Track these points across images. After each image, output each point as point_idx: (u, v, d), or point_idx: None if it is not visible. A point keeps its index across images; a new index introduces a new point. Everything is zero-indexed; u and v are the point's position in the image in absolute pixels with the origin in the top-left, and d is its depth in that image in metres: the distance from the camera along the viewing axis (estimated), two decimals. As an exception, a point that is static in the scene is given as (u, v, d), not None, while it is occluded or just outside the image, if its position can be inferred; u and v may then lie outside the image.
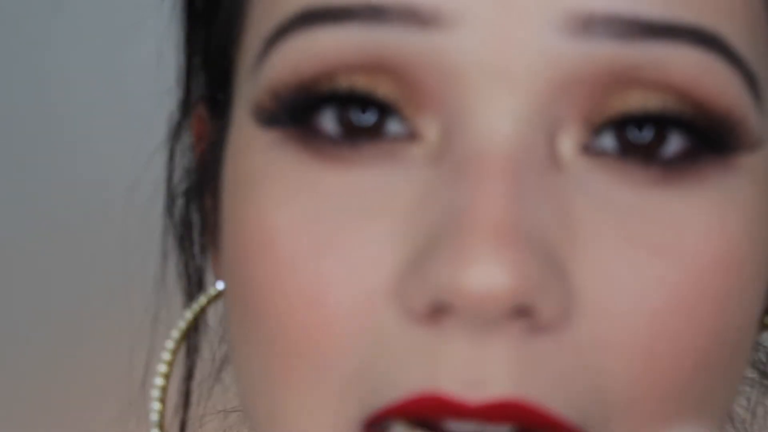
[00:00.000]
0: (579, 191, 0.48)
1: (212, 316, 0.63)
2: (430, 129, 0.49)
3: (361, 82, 0.49)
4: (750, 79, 0.49)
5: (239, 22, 0.54)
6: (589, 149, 0.49)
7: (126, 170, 0.71)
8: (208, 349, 0.67)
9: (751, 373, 0.64)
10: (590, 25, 0.47)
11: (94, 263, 0.93)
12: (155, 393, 0.58)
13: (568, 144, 0.48)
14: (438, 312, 0.46)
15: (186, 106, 0.63)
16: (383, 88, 0.49)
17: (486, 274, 0.44)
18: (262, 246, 0.49)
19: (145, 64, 0.68)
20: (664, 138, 0.49)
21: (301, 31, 0.49)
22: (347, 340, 0.48)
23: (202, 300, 0.61)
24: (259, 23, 0.52)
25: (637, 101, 0.48)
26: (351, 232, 0.48)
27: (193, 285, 0.65)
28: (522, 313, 0.46)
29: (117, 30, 0.73)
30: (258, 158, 0.51)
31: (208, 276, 0.64)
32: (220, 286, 0.61)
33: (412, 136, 0.49)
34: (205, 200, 0.62)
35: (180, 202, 0.65)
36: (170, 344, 0.59)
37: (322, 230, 0.48)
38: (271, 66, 0.50)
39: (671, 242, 0.48)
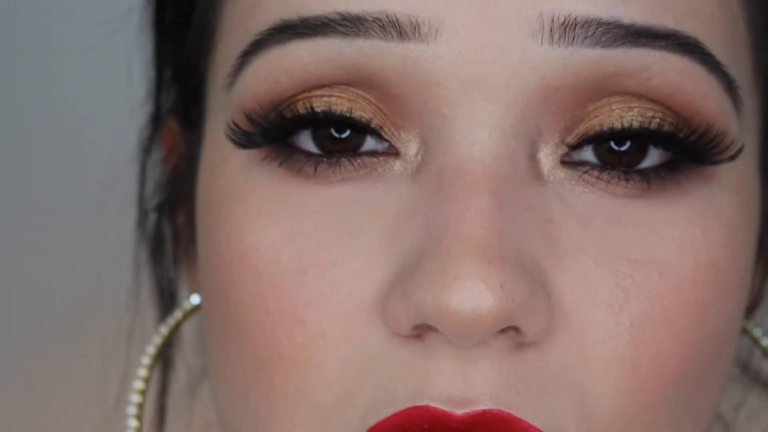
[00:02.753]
0: (560, 203, 0.48)
1: (187, 330, 0.63)
2: (410, 143, 0.48)
3: (338, 105, 0.48)
4: (730, 85, 0.49)
5: (210, 36, 0.54)
6: (569, 160, 0.48)
7: (96, 184, 0.70)
8: (183, 363, 0.66)
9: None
10: (570, 29, 0.47)
11: (65, 277, 0.92)
12: (132, 410, 0.57)
13: (548, 154, 0.48)
14: (423, 330, 0.46)
15: (157, 120, 0.63)
16: (359, 110, 0.48)
17: (470, 294, 0.44)
18: (242, 264, 0.49)
19: (114, 78, 0.67)
20: (644, 151, 0.48)
21: (276, 44, 0.49)
22: (331, 359, 0.47)
23: (178, 315, 0.61)
24: (231, 37, 0.52)
25: (617, 113, 0.48)
26: (332, 249, 0.48)
27: (166, 299, 0.65)
28: (506, 330, 0.46)
29: (87, 42, 0.72)
30: (234, 176, 0.50)
31: (182, 290, 0.64)
32: (194, 300, 0.61)
33: (392, 152, 0.49)
34: (177, 214, 0.62)
35: (152, 215, 0.64)
36: (146, 360, 0.58)
37: (303, 247, 0.48)
38: (244, 83, 0.49)
39: (652, 254, 0.48)
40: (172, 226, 0.63)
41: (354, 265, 0.47)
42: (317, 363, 0.47)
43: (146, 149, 0.64)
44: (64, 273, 0.94)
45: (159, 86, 0.62)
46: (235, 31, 0.51)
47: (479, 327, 0.44)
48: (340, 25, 0.47)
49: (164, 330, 0.60)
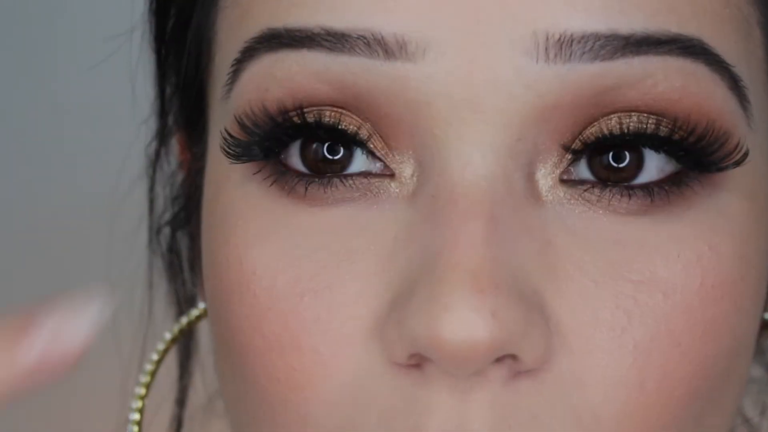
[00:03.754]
0: (559, 224, 0.46)
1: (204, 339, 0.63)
2: (404, 165, 0.47)
3: (328, 117, 0.47)
4: (735, 83, 0.47)
5: (208, 48, 0.54)
6: (568, 178, 0.47)
7: (106, 199, 0.70)
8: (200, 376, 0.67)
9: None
10: (566, 45, 0.45)
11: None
12: (133, 416, 0.57)
13: (546, 174, 0.47)
14: (420, 359, 0.45)
15: (162, 136, 0.63)
16: (347, 122, 0.47)
17: (463, 325, 0.43)
18: (240, 287, 0.48)
19: (119, 94, 0.67)
20: (640, 164, 0.47)
21: (266, 53, 0.48)
22: (330, 385, 0.46)
23: (183, 321, 0.61)
24: (225, 47, 0.51)
25: (615, 123, 0.46)
26: (329, 273, 0.47)
27: (184, 310, 0.64)
28: (503, 359, 0.44)
29: (90, 60, 0.72)
30: (231, 194, 0.50)
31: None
32: (201, 305, 0.61)
33: (387, 173, 0.47)
34: (192, 227, 0.62)
35: (166, 230, 0.64)
36: (149, 366, 0.58)
37: (299, 271, 0.47)
38: (239, 91, 0.49)
39: (656, 274, 0.46)
40: (190, 239, 0.63)
41: (351, 290, 0.46)
42: (316, 390, 0.46)
43: (153, 165, 0.64)
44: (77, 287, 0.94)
45: (162, 102, 0.62)
46: (228, 41, 0.51)
47: (473, 357, 0.43)
48: (325, 39, 0.46)
49: (168, 336, 0.60)
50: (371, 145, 0.47)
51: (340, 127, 0.47)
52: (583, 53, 0.45)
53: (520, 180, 0.46)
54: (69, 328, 0.41)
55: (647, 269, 0.46)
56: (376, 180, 0.47)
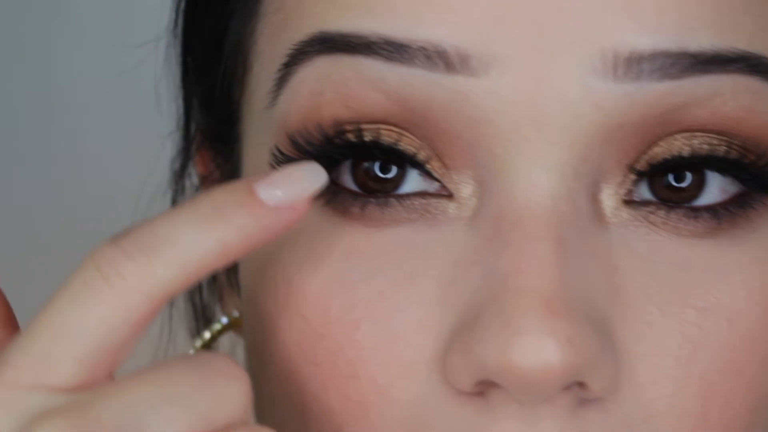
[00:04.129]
0: (624, 247, 0.45)
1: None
2: (462, 185, 0.46)
3: (386, 136, 0.45)
4: None
5: (244, 59, 0.52)
6: (631, 199, 0.46)
7: (127, 212, 0.70)
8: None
9: None
10: (635, 64, 0.44)
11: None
12: None
13: (610, 195, 0.46)
14: (485, 386, 0.44)
15: (187, 149, 0.62)
16: (407, 143, 0.45)
17: (537, 350, 0.42)
18: (288, 311, 0.47)
19: (142, 107, 0.67)
20: (702, 185, 0.46)
21: (319, 54, 0.46)
22: (389, 417, 0.45)
23: (207, 336, 0.59)
24: (266, 54, 0.50)
25: (682, 144, 0.45)
26: (387, 299, 0.45)
27: (202, 326, 0.64)
28: (571, 386, 0.43)
29: (115, 71, 0.72)
30: None
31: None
32: (223, 320, 0.59)
33: (444, 193, 0.46)
34: None
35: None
36: None
37: (355, 296, 0.45)
38: (288, 96, 0.47)
39: (721, 300, 0.45)
40: None
41: (411, 317, 0.45)
42: (373, 422, 0.45)
43: (178, 178, 0.63)
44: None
45: (188, 115, 0.61)
46: (270, 47, 0.49)
47: (546, 383, 0.42)
48: (382, 48, 0.45)
49: (191, 353, 0.58)
50: (429, 166, 0.46)
51: (398, 147, 0.46)
52: (653, 71, 0.44)
53: (585, 201, 0.45)
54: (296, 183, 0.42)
55: (712, 296, 0.45)
56: (434, 200, 0.46)
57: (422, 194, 0.46)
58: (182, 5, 0.58)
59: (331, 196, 0.46)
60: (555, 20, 0.44)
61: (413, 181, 0.46)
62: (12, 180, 1.07)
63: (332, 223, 0.46)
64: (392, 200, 0.46)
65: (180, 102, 0.61)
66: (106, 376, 0.40)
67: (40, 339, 0.40)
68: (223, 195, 0.42)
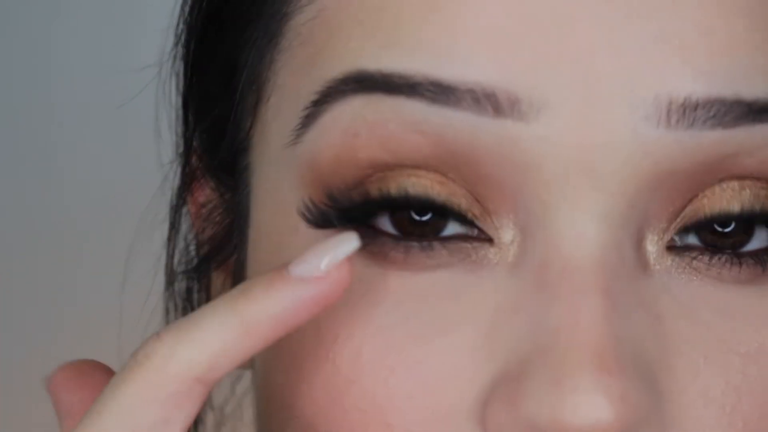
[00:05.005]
0: (667, 295, 0.44)
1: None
2: (503, 230, 0.44)
3: (419, 186, 0.44)
4: None
5: (257, 90, 0.50)
6: (673, 245, 0.45)
7: (124, 244, 0.69)
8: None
9: None
10: (690, 111, 0.42)
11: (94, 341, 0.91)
12: None
13: (654, 241, 0.44)
14: None
15: (188, 180, 0.60)
16: (455, 198, 0.44)
17: (590, 408, 0.40)
18: (315, 355, 0.44)
19: (142, 107, 0.66)
20: (750, 232, 0.45)
21: (354, 94, 0.44)
22: None
23: None
24: (289, 88, 0.48)
25: (731, 197, 0.44)
26: (423, 345, 0.43)
27: None
28: None
29: (115, 71, 0.71)
30: (303, 250, 0.45)
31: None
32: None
33: (484, 237, 0.44)
34: (211, 278, 0.59)
35: (181, 280, 0.62)
36: None
37: (388, 341, 0.43)
38: (316, 135, 0.45)
39: (764, 345, 0.44)
40: (206, 292, 0.60)
41: (448, 365, 0.43)
42: None
43: (176, 207, 0.62)
44: (94, 331, 0.93)
45: (189, 146, 0.59)
46: (294, 81, 0.47)
47: None
48: (427, 90, 0.43)
49: None
50: (471, 215, 0.44)
51: (441, 201, 0.44)
52: (707, 119, 0.43)
53: (630, 249, 0.43)
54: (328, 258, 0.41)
55: (755, 340, 0.44)
56: (477, 244, 0.44)
57: (464, 237, 0.44)
58: (186, 26, 0.56)
59: (369, 241, 0.44)
60: (606, 64, 0.43)
61: (453, 225, 0.45)
62: (12, 180, 1.06)
63: (366, 267, 0.44)
64: (436, 244, 0.44)
65: (184, 132, 0.60)
66: None
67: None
68: (255, 279, 0.41)
